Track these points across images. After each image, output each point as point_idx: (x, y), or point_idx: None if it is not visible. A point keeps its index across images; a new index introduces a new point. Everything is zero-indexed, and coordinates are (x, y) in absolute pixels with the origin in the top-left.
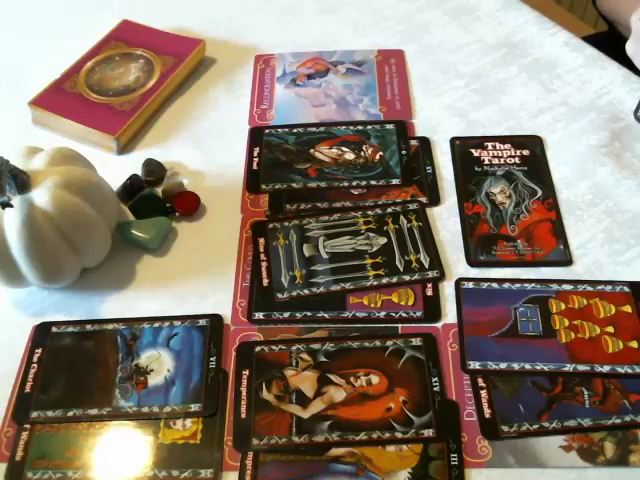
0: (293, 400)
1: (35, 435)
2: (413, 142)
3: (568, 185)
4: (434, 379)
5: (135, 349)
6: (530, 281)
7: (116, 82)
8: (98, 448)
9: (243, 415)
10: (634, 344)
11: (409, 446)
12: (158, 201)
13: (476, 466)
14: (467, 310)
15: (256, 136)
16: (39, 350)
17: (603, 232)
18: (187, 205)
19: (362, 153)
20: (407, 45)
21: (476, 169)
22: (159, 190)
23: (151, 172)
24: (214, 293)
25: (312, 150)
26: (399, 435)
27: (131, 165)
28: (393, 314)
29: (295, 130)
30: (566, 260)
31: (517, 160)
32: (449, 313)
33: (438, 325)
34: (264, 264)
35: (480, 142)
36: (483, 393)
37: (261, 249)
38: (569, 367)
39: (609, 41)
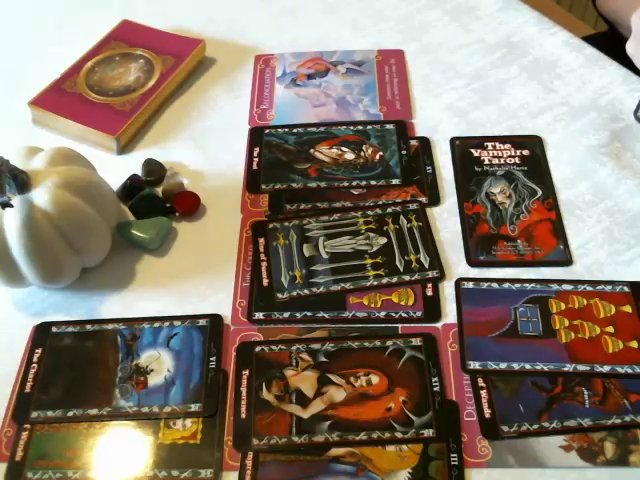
0: (293, 400)
1: (35, 435)
2: (413, 142)
3: (568, 185)
4: (434, 379)
5: (135, 349)
6: (530, 281)
7: (116, 82)
8: (98, 448)
9: (243, 415)
10: (634, 344)
11: (409, 446)
12: (158, 201)
13: (476, 466)
14: (467, 310)
15: (256, 136)
16: (39, 350)
17: (603, 232)
18: (187, 205)
19: (362, 153)
20: (407, 45)
21: (476, 169)
22: (159, 190)
23: (151, 172)
24: (214, 293)
25: (312, 150)
26: (399, 435)
27: (131, 165)
28: (393, 314)
29: (295, 130)
30: (566, 260)
31: (517, 160)
32: (449, 313)
33: (438, 325)
34: (264, 264)
35: (480, 142)
36: (483, 393)
37: (261, 249)
38: (569, 367)
39: (609, 41)
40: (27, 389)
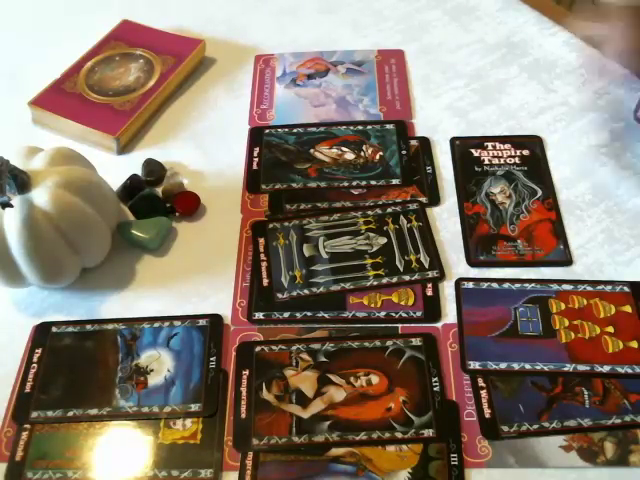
0: (293, 400)
1: (35, 435)
2: (413, 142)
3: (568, 185)
4: (434, 379)
5: (135, 349)
6: (530, 281)
7: (116, 82)
8: (98, 448)
9: (243, 415)
10: (634, 344)
11: (409, 446)
12: (158, 201)
13: (476, 466)
14: (467, 310)
15: (256, 136)
16: (39, 350)
17: (603, 232)
18: (187, 205)
19: (362, 153)
20: (407, 45)
21: (476, 169)
22: (159, 190)
23: (151, 172)
24: (214, 293)
25: (312, 150)
26: (399, 435)
27: (131, 165)
28: (393, 314)
29: (295, 130)
30: (566, 260)
31: (517, 160)
32: (449, 313)
33: (438, 325)
34: (264, 264)
35: (480, 142)
36: (483, 393)
37: (261, 249)
38: (569, 367)
39: None
40: (27, 389)
